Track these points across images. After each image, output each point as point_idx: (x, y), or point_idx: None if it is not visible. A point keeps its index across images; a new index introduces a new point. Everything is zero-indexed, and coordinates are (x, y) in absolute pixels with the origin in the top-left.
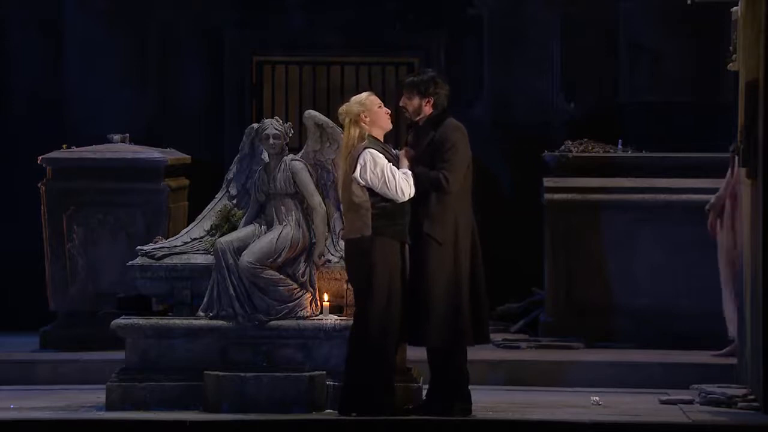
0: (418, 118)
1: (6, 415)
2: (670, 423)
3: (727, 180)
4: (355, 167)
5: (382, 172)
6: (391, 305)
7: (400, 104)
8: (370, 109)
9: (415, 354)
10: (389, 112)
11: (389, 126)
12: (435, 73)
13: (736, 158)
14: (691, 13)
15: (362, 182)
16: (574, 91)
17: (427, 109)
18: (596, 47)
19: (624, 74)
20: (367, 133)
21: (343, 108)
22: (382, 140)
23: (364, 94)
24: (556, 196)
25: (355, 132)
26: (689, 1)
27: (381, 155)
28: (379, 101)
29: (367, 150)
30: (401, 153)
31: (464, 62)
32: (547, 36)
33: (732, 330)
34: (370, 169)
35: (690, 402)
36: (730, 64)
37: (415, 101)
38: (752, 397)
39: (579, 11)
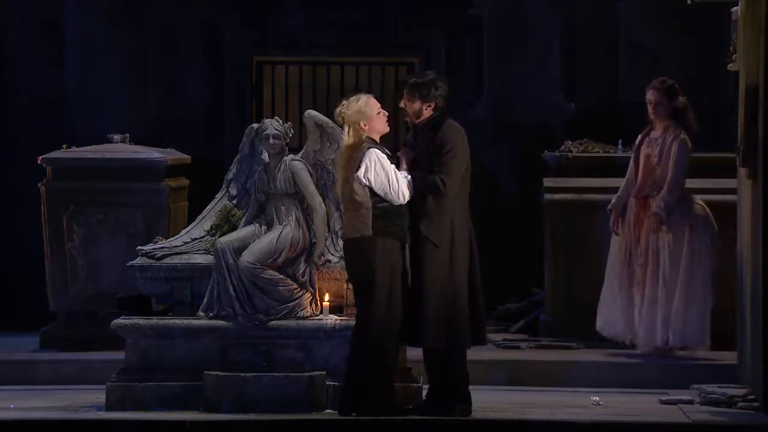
0: (417, 120)
1: (6, 415)
2: (670, 423)
3: (627, 178)
4: (359, 167)
5: (387, 174)
6: (391, 305)
7: (401, 105)
8: (369, 116)
9: (416, 354)
10: (387, 114)
11: (386, 130)
12: (435, 74)
13: (643, 157)
14: (691, 13)
15: (365, 182)
16: (574, 91)
17: (427, 113)
18: (596, 47)
19: (624, 74)
20: (365, 136)
21: (341, 111)
22: (378, 142)
23: (362, 100)
24: (556, 196)
25: (353, 137)
26: (689, 1)
27: (384, 156)
28: (377, 106)
29: (372, 150)
30: (400, 154)
31: (464, 62)
32: (547, 36)
33: (605, 329)
34: (375, 170)
35: (690, 402)
36: (730, 64)
37: (416, 105)
38: (752, 397)
39: (579, 11)
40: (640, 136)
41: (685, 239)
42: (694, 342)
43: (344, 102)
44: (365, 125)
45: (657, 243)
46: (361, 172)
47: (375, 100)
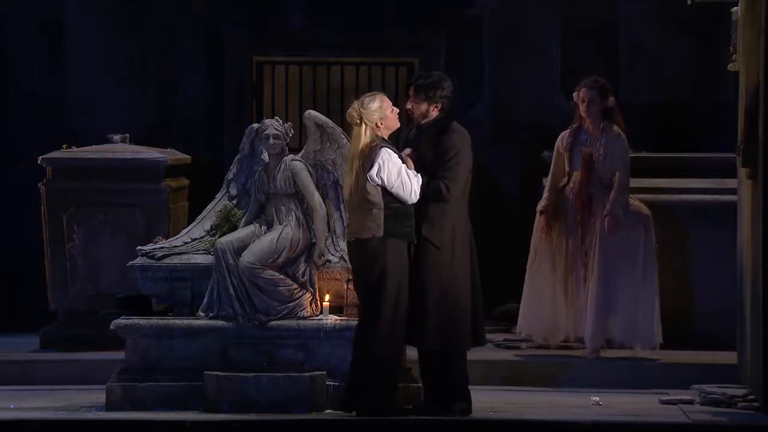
0: (423, 121)
1: (6, 415)
2: (670, 423)
3: (554, 179)
4: (372, 166)
5: (399, 172)
6: (399, 306)
7: (407, 106)
8: (386, 115)
9: (416, 354)
10: (398, 111)
11: (398, 126)
12: (441, 74)
13: (583, 157)
14: (691, 13)
15: (378, 181)
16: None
17: (434, 113)
18: (596, 47)
19: (624, 74)
20: (379, 135)
21: (358, 111)
22: (387, 140)
23: (378, 99)
24: None
25: (370, 137)
26: (689, 1)
27: (396, 155)
28: (390, 104)
29: (384, 149)
30: (404, 154)
31: (464, 62)
32: (547, 36)
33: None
34: (388, 168)
35: (690, 402)
36: (730, 64)
37: (423, 106)
38: (752, 397)
39: (579, 11)
40: (567, 137)
41: (643, 237)
42: (653, 341)
43: (357, 102)
44: (382, 124)
45: (609, 242)
46: (374, 171)
47: (387, 98)
